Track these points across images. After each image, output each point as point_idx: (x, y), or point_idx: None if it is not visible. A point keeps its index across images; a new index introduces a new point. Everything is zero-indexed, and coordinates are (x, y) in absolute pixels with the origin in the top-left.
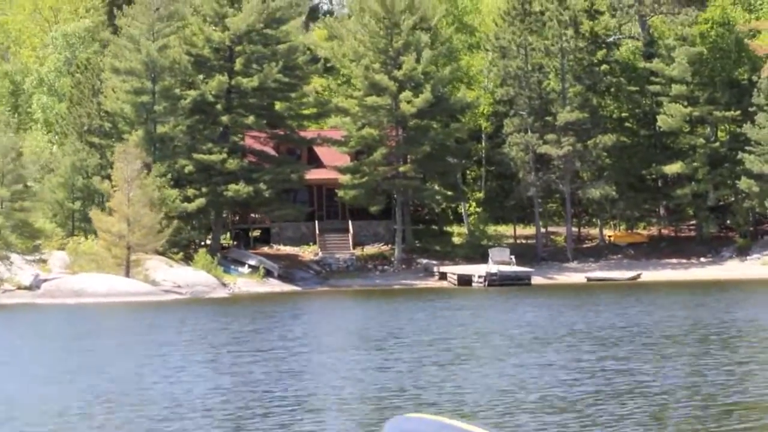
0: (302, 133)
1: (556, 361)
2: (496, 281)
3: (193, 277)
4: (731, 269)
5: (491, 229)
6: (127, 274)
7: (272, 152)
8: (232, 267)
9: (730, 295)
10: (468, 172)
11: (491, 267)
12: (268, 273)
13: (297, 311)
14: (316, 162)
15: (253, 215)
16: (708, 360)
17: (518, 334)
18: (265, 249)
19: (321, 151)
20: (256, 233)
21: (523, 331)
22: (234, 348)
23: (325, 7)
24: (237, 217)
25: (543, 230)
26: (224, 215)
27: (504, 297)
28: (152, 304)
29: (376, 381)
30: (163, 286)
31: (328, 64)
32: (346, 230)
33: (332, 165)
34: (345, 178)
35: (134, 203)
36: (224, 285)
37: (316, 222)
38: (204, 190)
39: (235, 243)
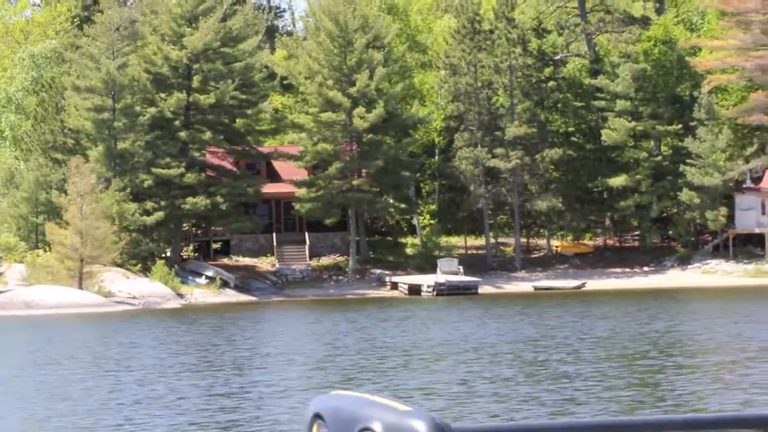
0: (260, 149)
1: (428, 384)
2: (445, 291)
3: (148, 289)
4: (673, 278)
5: (443, 240)
6: (81, 286)
7: (231, 167)
8: (190, 278)
9: (661, 304)
10: (422, 185)
11: (439, 277)
12: (225, 284)
13: (228, 322)
14: (274, 176)
15: (214, 228)
16: (590, 381)
17: (421, 349)
18: (225, 260)
19: (280, 165)
20: (217, 245)
21: (430, 345)
22: (111, 366)
23: (289, 28)
24: (200, 230)
25: (493, 241)
26: (186, 228)
27: (445, 306)
28: (99, 316)
29: (199, 410)
30: (117, 297)
31: (286, 82)
32: (303, 242)
33: (290, 179)
34: (301, 192)
35: (87, 216)
36: (180, 296)
37: (274, 234)
38: (163, 203)
39: (196, 255)
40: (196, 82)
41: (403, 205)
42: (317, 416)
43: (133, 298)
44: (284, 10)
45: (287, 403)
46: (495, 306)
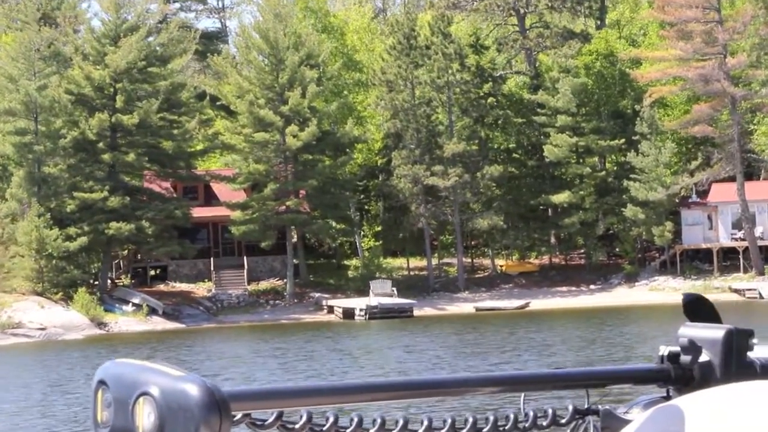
0: (194, 171)
1: None
2: (377, 314)
3: (62, 318)
4: (619, 296)
5: (386, 261)
6: None
7: (162, 190)
8: (117, 306)
9: (579, 325)
10: (368, 207)
11: (372, 300)
12: (153, 311)
13: (100, 356)
14: (213, 200)
15: (155, 253)
16: None
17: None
18: (161, 286)
19: (219, 188)
20: (156, 271)
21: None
22: None
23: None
24: (142, 256)
25: (437, 261)
26: (126, 254)
27: (356, 331)
28: None
29: None
30: (25, 328)
31: (221, 104)
32: (242, 266)
33: (226, 202)
34: (236, 214)
35: None
36: (102, 325)
37: (212, 259)
38: (86, 228)
39: (132, 281)
40: (119, 102)
41: (342, 226)
42: (101, 382)
43: (42, 329)
44: (226, 35)
45: None
46: (410, 330)
